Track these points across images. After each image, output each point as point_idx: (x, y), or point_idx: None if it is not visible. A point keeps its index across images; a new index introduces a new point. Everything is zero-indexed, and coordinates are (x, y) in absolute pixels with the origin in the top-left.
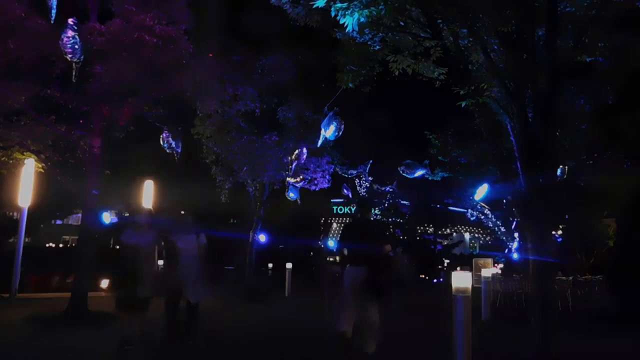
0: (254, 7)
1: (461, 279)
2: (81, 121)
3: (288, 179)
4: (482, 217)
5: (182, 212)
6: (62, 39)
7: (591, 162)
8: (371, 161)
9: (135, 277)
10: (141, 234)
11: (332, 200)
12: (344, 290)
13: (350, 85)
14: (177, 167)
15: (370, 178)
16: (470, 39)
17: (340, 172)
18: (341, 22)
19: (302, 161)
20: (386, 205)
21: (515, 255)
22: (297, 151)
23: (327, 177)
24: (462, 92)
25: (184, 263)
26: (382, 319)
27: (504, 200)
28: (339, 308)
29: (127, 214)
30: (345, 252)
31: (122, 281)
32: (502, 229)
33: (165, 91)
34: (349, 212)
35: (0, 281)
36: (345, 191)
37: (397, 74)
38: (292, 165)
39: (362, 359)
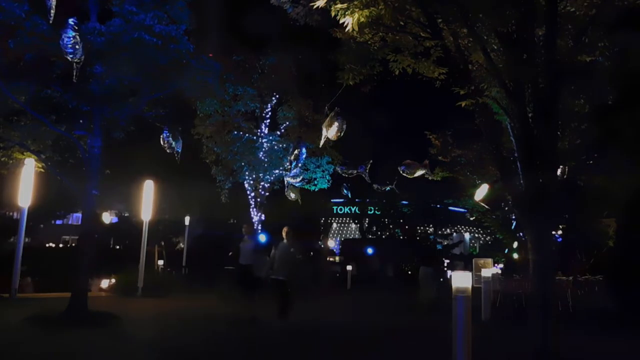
0: (254, 7)
1: (461, 279)
2: (81, 121)
3: (288, 179)
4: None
5: None
6: (63, 39)
7: (591, 162)
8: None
9: None
10: None
11: (332, 200)
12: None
13: (351, 82)
14: (177, 167)
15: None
16: (470, 39)
17: (340, 172)
18: (341, 22)
19: (302, 161)
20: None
21: (515, 255)
22: (296, 151)
23: (327, 177)
24: (462, 92)
25: None
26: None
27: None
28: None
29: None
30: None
31: None
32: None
33: (165, 91)
34: (349, 212)
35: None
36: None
37: (397, 73)
38: (292, 165)
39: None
